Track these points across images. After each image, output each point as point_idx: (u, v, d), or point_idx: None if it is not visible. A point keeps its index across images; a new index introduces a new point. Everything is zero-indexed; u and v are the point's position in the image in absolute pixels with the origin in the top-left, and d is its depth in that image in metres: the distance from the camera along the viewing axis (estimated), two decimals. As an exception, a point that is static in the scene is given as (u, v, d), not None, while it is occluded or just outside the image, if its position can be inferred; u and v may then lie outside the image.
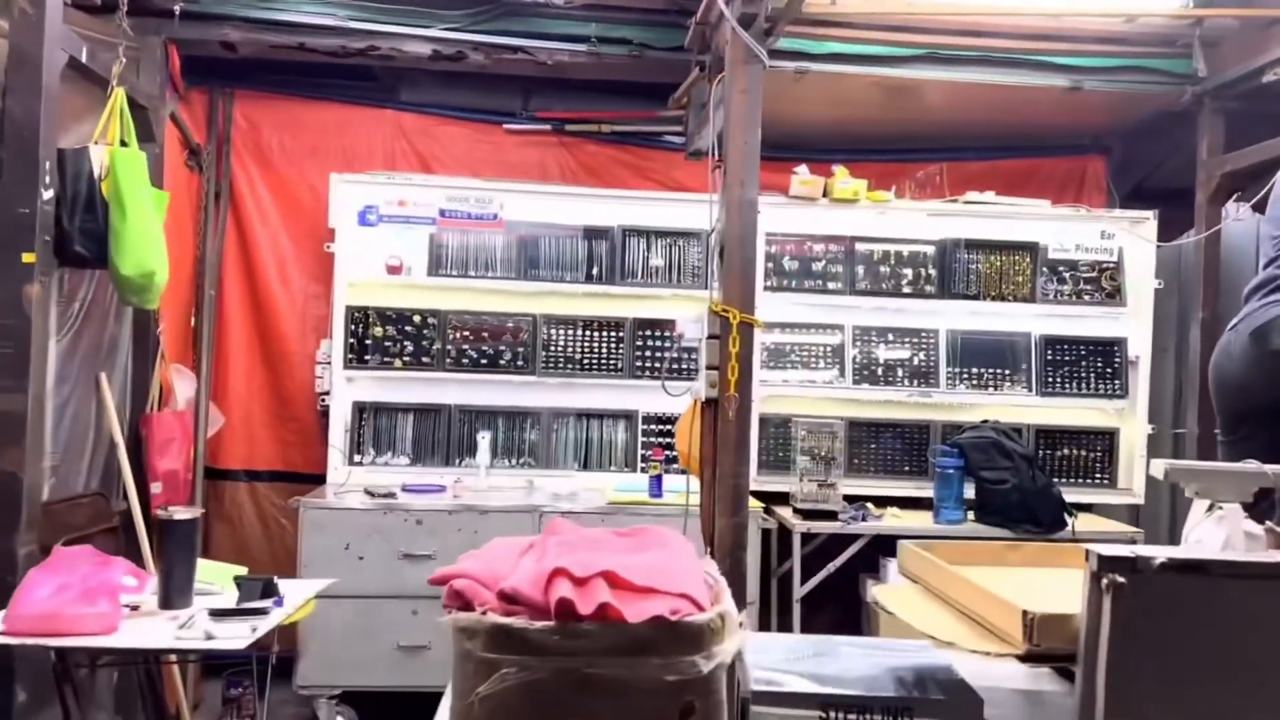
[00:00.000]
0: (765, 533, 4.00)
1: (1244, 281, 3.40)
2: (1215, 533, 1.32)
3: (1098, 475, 4.41)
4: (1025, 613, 1.32)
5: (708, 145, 3.92)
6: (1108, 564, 1.22)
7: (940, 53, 4.02)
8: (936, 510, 4.01)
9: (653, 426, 4.38)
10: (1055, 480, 4.31)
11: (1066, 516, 3.91)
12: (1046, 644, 1.29)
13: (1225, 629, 1.22)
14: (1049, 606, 1.31)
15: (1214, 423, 4.14)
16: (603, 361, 4.31)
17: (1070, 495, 4.13)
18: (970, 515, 4.03)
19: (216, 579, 2.64)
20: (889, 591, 1.81)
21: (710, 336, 2.99)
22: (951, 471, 3.99)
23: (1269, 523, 1.37)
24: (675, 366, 4.31)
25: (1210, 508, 1.42)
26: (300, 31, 3.84)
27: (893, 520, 4.03)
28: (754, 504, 3.93)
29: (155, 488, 3.61)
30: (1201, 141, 4.17)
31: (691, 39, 3.64)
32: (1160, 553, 1.22)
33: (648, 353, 4.35)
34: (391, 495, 3.81)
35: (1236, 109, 4.08)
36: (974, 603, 1.56)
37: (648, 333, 4.35)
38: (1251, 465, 1.38)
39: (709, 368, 2.98)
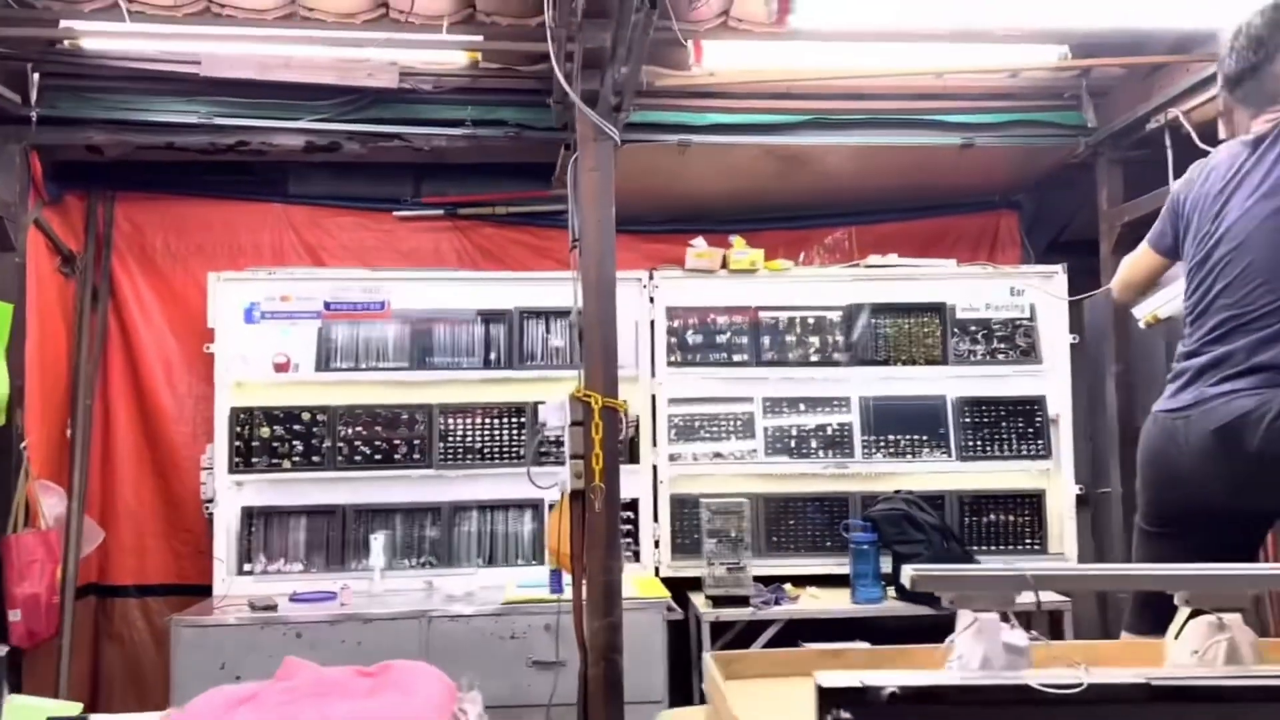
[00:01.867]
0: (681, 623, 3.80)
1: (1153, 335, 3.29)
2: (974, 647, 1.16)
3: (1028, 540, 4.22)
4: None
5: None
6: (831, 696, 1.05)
7: (826, 118, 3.96)
8: (854, 589, 3.82)
9: (561, 515, 4.18)
10: (980, 548, 4.15)
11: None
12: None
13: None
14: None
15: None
16: (505, 450, 4.14)
17: (1000, 562, 3.95)
18: (891, 591, 3.84)
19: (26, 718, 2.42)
20: (677, 717, 1.62)
21: (573, 423, 2.83)
22: (866, 547, 3.80)
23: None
24: (581, 451, 4.14)
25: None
26: (166, 131, 3.75)
27: (809, 602, 3.84)
28: (662, 593, 3.75)
29: (14, 615, 3.39)
30: (1100, 192, 4.10)
31: (558, 118, 3.57)
32: (891, 680, 1.05)
33: (553, 439, 4.18)
34: (272, 607, 3.59)
35: (1135, 157, 4.01)
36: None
37: (550, 417, 4.19)
38: (1012, 570, 1.22)
39: (573, 457, 2.82)
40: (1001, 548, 4.20)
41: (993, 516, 4.23)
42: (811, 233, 4.73)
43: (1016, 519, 4.24)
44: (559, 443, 3.86)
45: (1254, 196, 2.20)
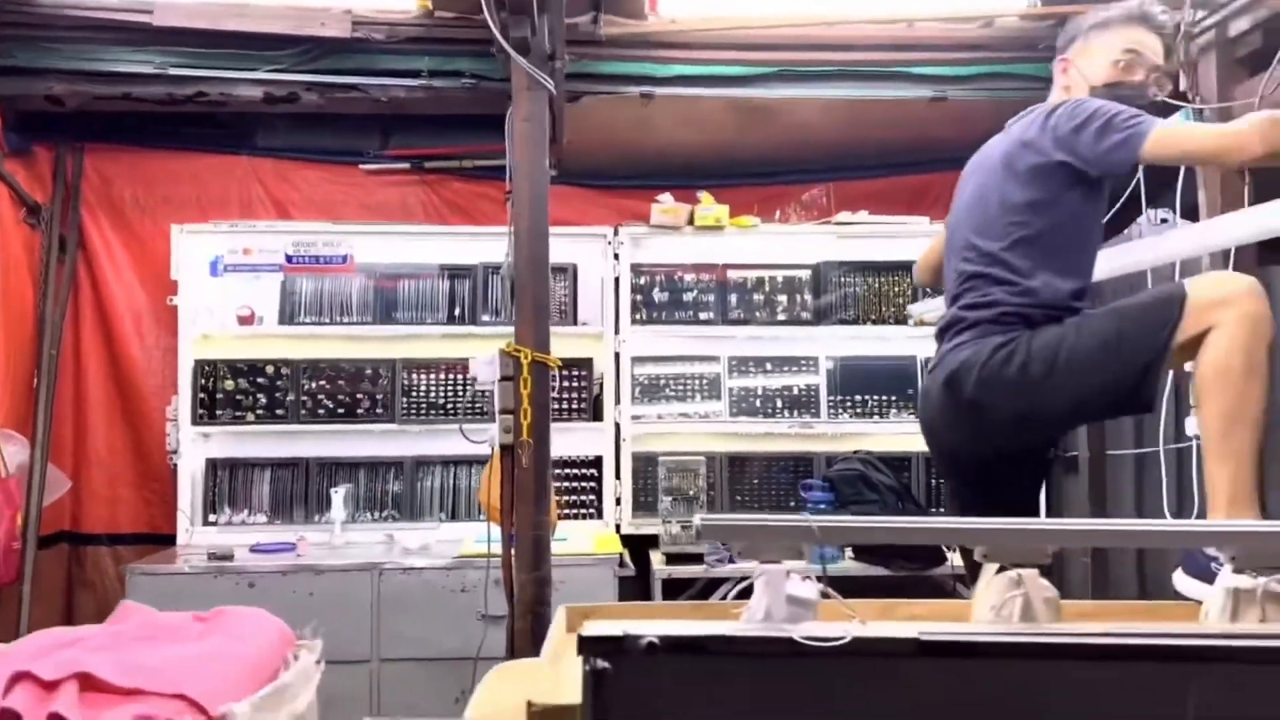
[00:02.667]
0: (643, 581, 3.80)
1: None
2: (760, 599, 1.12)
3: (995, 503, 4.15)
4: (530, 704, 1.12)
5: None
6: (591, 645, 1.03)
7: (793, 70, 3.86)
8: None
9: (523, 471, 4.18)
10: (936, 510, 4.09)
11: (946, 551, 3.67)
12: (547, 743, 1.10)
13: (739, 717, 1.03)
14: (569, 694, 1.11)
15: (1105, 443, 3.97)
16: (469, 405, 4.14)
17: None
18: (849, 551, 3.81)
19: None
20: (512, 667, 1.60)
21: (503, 378, 2.82)
22: (823, 507, 3.76)
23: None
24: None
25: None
26: (124, 81, 3.73)
27: (765, 561, 3.81)
28: (616, 549, 3.75)
29: (-28, 561, 3.46)
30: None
31: (504, 68, 3.51)
32: (654, 630, 1.03)
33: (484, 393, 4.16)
34: (228, 557, 3.63)
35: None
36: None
37: (514, 373, 4.17)
38: (796, 520, 1.18)
39: (502, 411, 2.81)
40: (969, 510, 4.14)
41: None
42: (788, 189, 4.64)
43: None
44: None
45: (983, 170, 2.39)
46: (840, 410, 4.18)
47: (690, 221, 4.14)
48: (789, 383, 4.21)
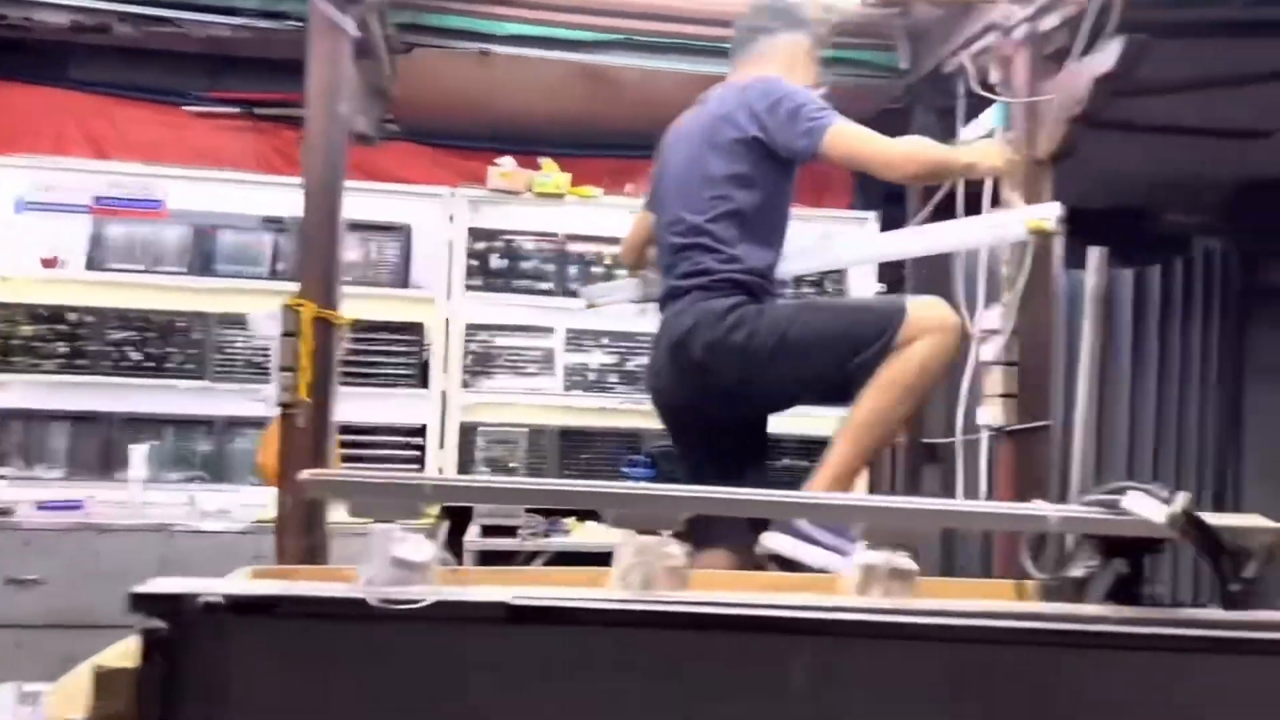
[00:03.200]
0: (452, 552, 3.70)
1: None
2: (369, 561, 1.05)
3: (821, 487, 4.18)
4: (97, 666, 1.03)
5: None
6: (146, 604, 0.93)
7: (637, 39, 3.78)
8: (629, 525, 3.74)
9: (345, 437, 4.03)
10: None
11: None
12: (107, 705, 1.00)
13: (311, 682, 0.95)
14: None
15: (922, 430, 4.03)
16: (288, 366, 3.96)
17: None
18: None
19: None
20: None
21: (284, 334, 2.67)
22: (648, 482, 3.73)
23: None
24: (371, 371, 3.99)
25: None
26: (-90, -5, 3.44)
27: (582, 535, 3.76)
28: (429, 520, 3.64)
29: None
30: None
31: (322, 11, 3.34)
32: (217, 588, 0.94)
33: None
34: (6, 512, 3.41)
35: (951, 105, 3.91)
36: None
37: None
38: (413, 479, 1.10)
39: (281, 369, 2.67)
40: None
41: (787, 461, 4.18)
42: (639, 163, 4.54)
43: (811, 463, 4.18)
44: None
45: (684, 145, 2.58)
46: (673, 388, 4.14)
47: (530, 188, 4.04)
48: (626, 356, 4.15)
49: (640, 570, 1.09)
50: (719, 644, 0.98)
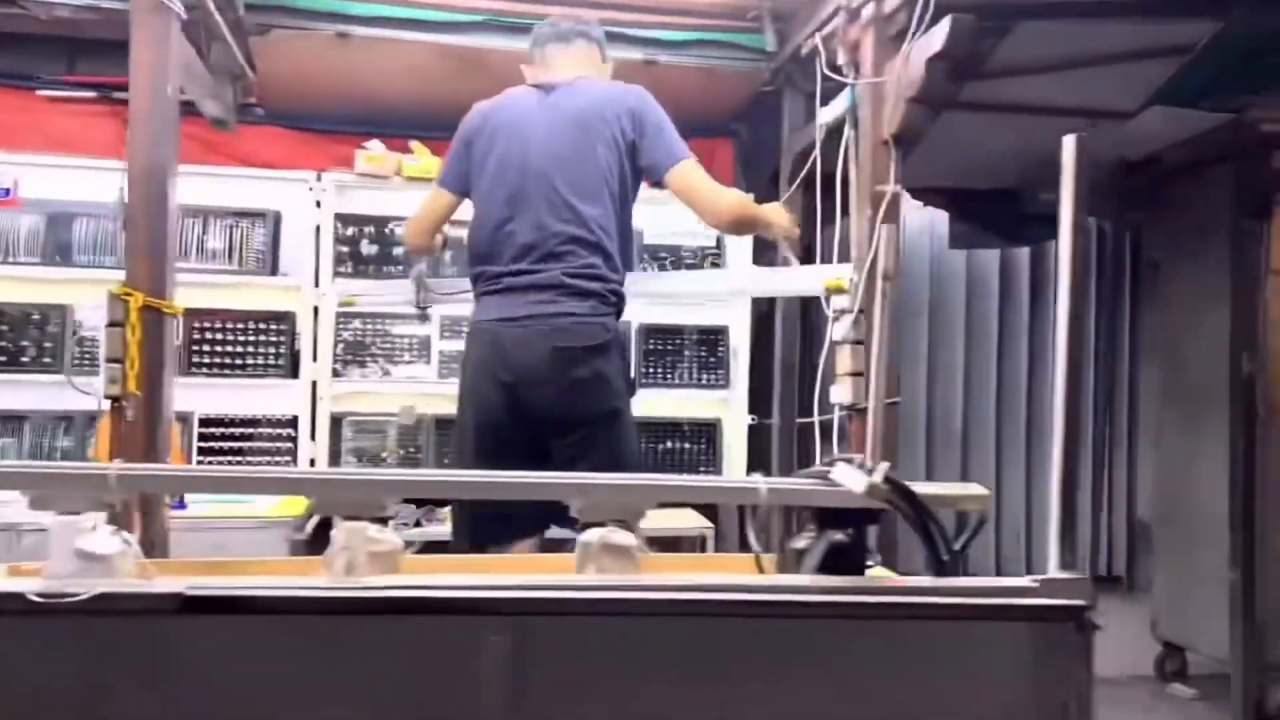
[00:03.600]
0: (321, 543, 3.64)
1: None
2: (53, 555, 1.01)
3: (702, 468, 4.21)
4: None
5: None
6: None
7: (501, 19, 3.74)
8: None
9: (213, 430, 3.94)
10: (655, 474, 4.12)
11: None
12: None
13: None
14: None
15: (795, 411, 4.07)
16: (152, 358, 3.85)
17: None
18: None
19: None
20: None
21: (110, 324, 2.59)
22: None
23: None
24: (240, 361, 3.90)
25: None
26: None
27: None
28: (296, 512, 3.57)
29: None
30: (783, 122, 4.03)
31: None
32: None
33: (206, 347, 3.91)
34: None
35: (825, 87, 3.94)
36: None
37: (206, 325, 3.92)
38: (95, 468, 1.07)
39: (109, 361, 2.59)
40: (678, 474, 4.18)
41: (670, 444, 4.20)
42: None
43: (693, 446, 4.22)
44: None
45: (546, 136, 2.53)
46: (551, 374, 4.12)
47: (399, 172, 3.97)
48: (502, 344, 4.12)
49: (345, 556, 1.07)
50: (407, 628, 0.96)
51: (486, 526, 2.39)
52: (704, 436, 4.21)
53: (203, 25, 3.06)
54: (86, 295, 3.81)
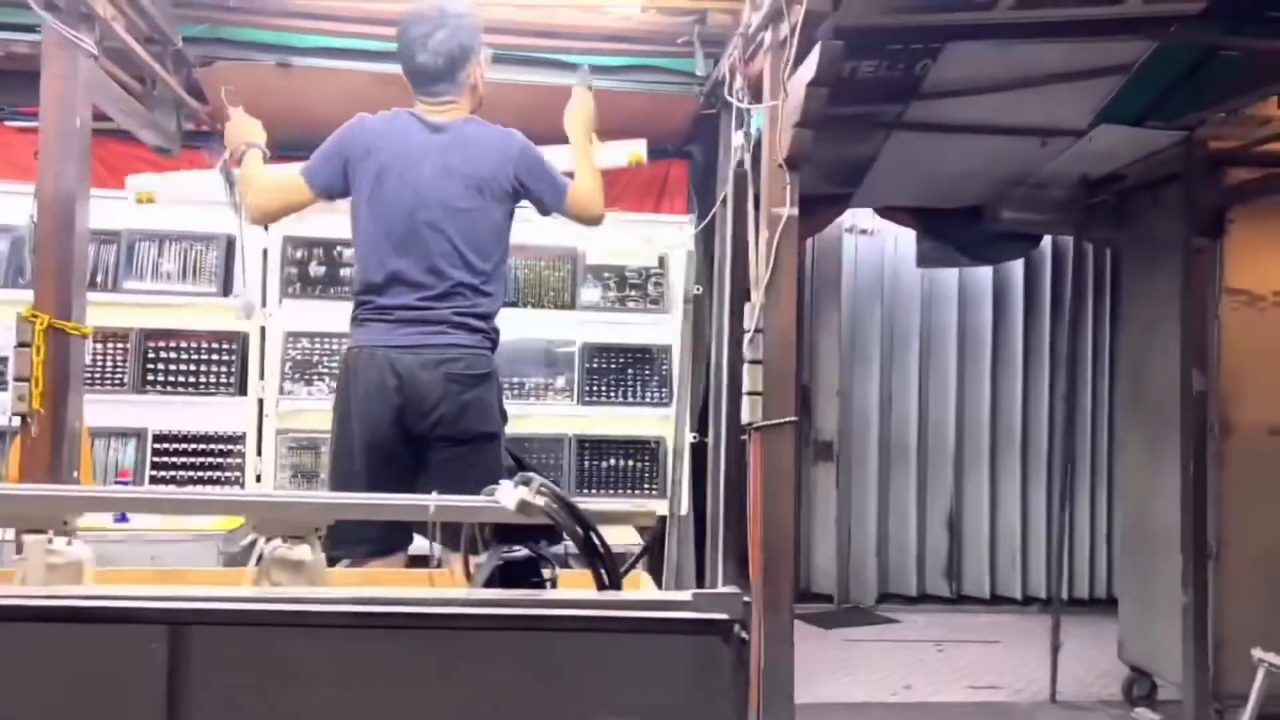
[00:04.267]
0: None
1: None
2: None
3: (646, 485, 4.26)
4: None
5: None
6: None
7: (560, 58, 3.85)
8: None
9: (166, 446, 4.07)
10: (598, 491, 4.17)
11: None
12: None
13: None
14: None
15: (738, 429, 4.09)
16: (108, 375, 4.01)
17: (616, 505, 4.00)
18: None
19: None
20: None
21: (19, 345, 2.72)
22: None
23: None
24: (192, 379, 4.03)
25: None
26: None
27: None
28: (229, 527, 3.68)
29: None
30: (720, 144, 4.07)
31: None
32: None
33: (160, 365, 4.05)
34: None
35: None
36: None
37: (161, 344, 4.06)
38: None
39: (17, 379, 2.71)
40: (621, 491, 4.23)
41: (612, 460, 4.25)
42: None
43: (636, 464, 4.27)
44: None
45: (439, 185, 2.68)
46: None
47: (345, 196, 4.08)
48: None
49: (23, 567, 1.14)
50: (67, 636, 1.03)
51: (341, 539, 2.48)
52: (646, 454, 4.25)
53: (137, 58, 3.19)
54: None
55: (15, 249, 3.99)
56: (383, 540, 2.49)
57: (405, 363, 2.60)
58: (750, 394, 3.03)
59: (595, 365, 4.25)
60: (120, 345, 4.01)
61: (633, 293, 4.28)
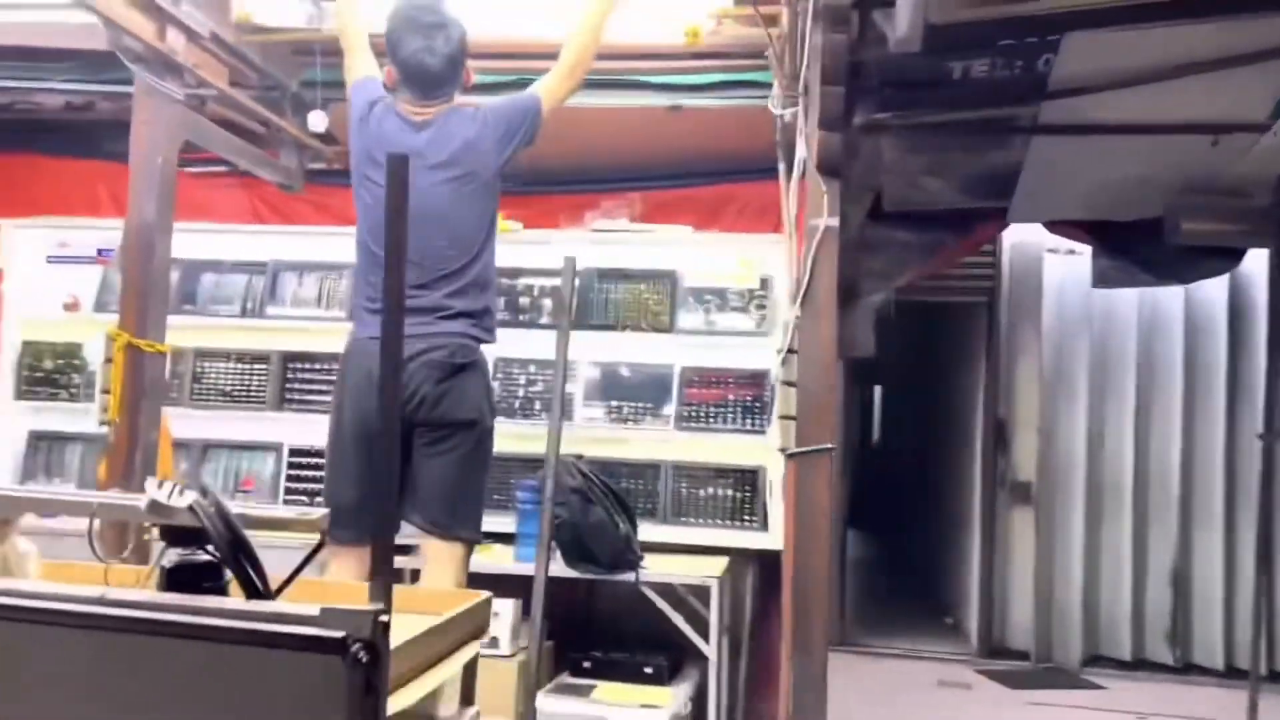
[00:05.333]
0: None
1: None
2: None
3: (745, 516, 4.07)
4: None
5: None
6: None
7: (527, 78, 3.93)
8: (517, 546, 3.85)
9: (301, 459, 4.40)
10: (697, 520, 4.04)
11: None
12: None
13: None
14: None
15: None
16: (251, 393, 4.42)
17: (714, 537, 3.91)
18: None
19: None
20: None
21: (106, 360, 3.06)
22: (530, 507, 3.81)
23: None
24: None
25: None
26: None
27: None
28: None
29: None
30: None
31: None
32: None
33: (297, 384, 4.42)
34: None
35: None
36: None
37: (298, 365, 4.43)
38: None
39: (102, 392, 3.05)
40: (720, 522, 4.07)
41: (711, 489, 4.11)
42: (597, 197, 4.70)
43: (736, 493, 4.10)
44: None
45: (425, 192, 2.71)
46: (597, 415, 4.21)
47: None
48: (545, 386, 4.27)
49: None
50: None
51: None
52: (746, 484, 4.08)
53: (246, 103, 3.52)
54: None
55: (187, 280, 4.50)
56: (369, 526, 2.59)
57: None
58: (784, 418, 2.83)
59: (695, 390, 4.13)
60: (262, 366, 4.41)
61: (735, 314, 4.13)
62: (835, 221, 2.76)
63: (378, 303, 2.76)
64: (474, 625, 1.50)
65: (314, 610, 1.09)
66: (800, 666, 2.68)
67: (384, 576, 1.07)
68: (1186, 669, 6.08)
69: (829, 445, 2.76)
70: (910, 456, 9.39)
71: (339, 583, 2.19)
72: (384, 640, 1.09)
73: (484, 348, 2.92)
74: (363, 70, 3.01)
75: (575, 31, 2.97)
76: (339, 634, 1.07)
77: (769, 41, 3.64)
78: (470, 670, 1.68)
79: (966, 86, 3.54)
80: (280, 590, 1.15)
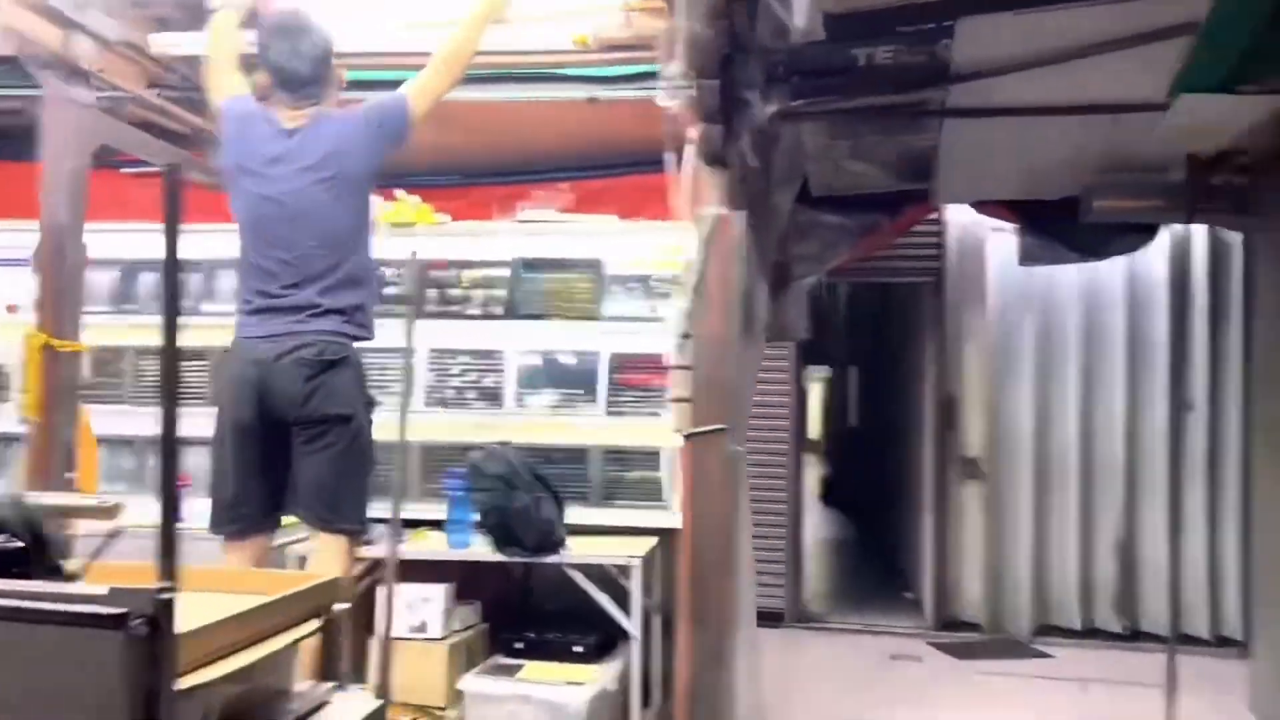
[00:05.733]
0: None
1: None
2: None
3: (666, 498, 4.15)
4: None
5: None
6: None
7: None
8: (448, 533, 3.93)
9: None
10: (617, 502, 4.12)
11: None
12: None
13: None
14: None
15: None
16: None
17: (644, 518, 3.99)
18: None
19: None
20: None
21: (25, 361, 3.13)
22: (460, 494, 3.90)
23: None
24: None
25: None
26: None
27: (409, 545, 3.97)
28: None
29: None
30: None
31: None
32: None
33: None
34: None
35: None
36: None
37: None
38: None
39: (20, 391, 3.12)
40: (640, 504, 4.13)
41: (634, 472, 4.18)
42: (528, 188, 4.77)
43: (664, 474, 4.16)
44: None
45: (296, 195, 2.90)
46: (526, 403, 4.28)
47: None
48: (478, 376, 4.35)
49: None
50: None
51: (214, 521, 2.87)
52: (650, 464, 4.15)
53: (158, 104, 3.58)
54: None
55: (126, 279, 4.56)
56: (251, 520, 2.83)
57: (262, 350, 2.85)
58: (677, 400, 2.93)
59: (621, 376, 4.21)
60: (200, 364, 4.47)
61: (659, 301, 4.20)
62: (724, 210, 2.85)
63: (253, 304, 2.92)
64: (313, 605, 1.59)
65: (103, 590, 1.18)
66: (698, 642, 2.78)
67: (169, 558, 1.15)
68: (1135, 636, 6.20)
69: (722, 425, 2.86)
70: (878, 437, 9.52)
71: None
72: (167, 616, 1.16)
73: (364, 343, 3.04)
74: (231, 88, 3.10)
75: (453, 30, 3.05)
76: (121, 610, 1.15)
77: (657, 36, 3.72)
78: (331, 647, 1.77)
79: (874, 72, 3.64)
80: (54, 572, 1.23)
